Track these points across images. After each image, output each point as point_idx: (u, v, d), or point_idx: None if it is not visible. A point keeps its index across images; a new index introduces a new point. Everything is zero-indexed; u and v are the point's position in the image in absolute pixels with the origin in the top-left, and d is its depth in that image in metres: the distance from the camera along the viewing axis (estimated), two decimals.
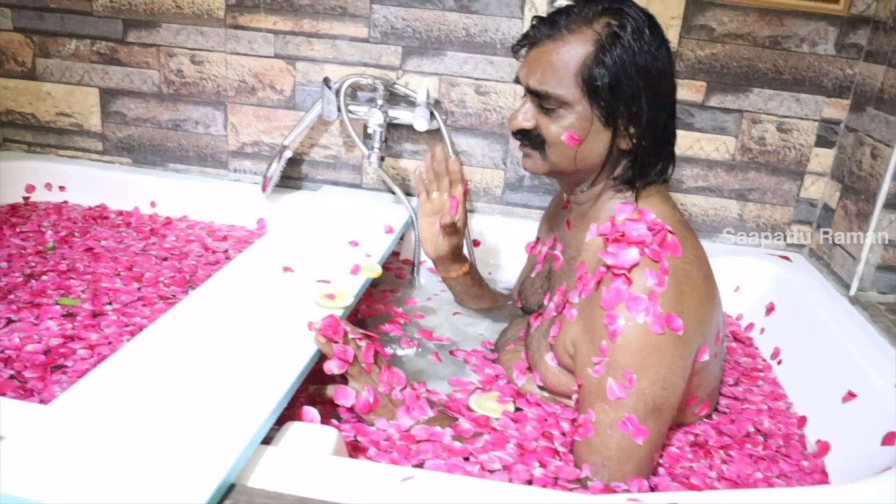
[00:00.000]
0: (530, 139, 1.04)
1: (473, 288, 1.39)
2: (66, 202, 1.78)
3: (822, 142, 1.62)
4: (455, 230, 1.29)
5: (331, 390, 0.99)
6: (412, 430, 0.97)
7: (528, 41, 1.02)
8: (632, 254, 0.95)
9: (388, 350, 1.22)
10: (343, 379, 1.00)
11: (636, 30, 0.96)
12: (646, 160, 1.01)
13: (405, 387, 1.03)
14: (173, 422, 0.78)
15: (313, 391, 1.01)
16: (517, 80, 1.05)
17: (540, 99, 1.00)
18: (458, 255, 1.35)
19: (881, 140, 1.41)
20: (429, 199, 1.32)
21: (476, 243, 1.65)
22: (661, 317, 0.91)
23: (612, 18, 0.96)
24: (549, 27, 0.99)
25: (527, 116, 1.02)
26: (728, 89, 1.60)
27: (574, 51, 0.96)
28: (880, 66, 1.46)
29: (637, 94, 0.96)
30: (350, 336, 1.00)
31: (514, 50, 1.06)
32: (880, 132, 1.42)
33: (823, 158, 1.63)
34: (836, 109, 1.59)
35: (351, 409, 0.99)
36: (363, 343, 1.00)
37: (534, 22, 1.02)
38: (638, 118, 0.97)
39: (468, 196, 1.32)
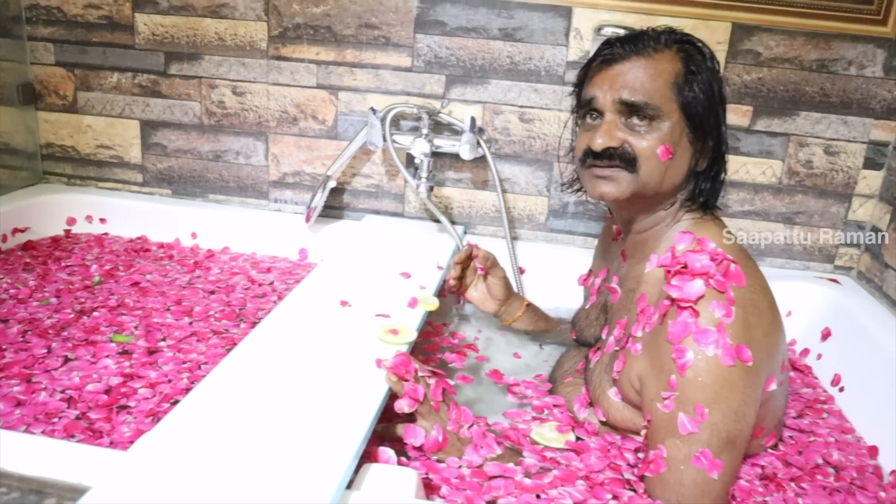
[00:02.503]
0: (619, 158, 1.00)
1: (539, 322, 1.38)
2: (106, 234, 1.78)
3: (871, 164, 1.60)
4: (492, 266, 1.35)
5: (400, 429, 0.98)
6: (484, 467, 0.96)
7: (609, 58, 1.01)
8: (697, 286, 0.93)
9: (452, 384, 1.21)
10: (410, 417, 0.98)
11: (711, 56, 1.02)
12: (719, 180, 1.04)
13: (472, 424, 1.01)
14: (257, 468, 0.77)
15: (381, 430, 0.99)
16: (587, 104, 1.03)
17: (630, 112, 0.99)
18: (511, 294, 1.38)
19: None
20: (462, 285, 1.36)
21: (521, 270, 1.64)
22: (731, 349, 0.90)
23: (688, 45, 1.02)
24: (632, 45, 1.01)
25: (612, 135, 0.99)
26: (775, 113, 1.59)
27: (664, 66, 0.99)
28: None
29: (718, 112, 1.01)
30: (419, 374, 0.98)
31: (590, 64, 1.05)
32: None
33: (871, 180, 1.61)
34: (884, 131, 1.57)
35: (419, 448, 0.98)
36: (432, 381, 0.99)
37: (611, 42, 1.03)
38: (720, 134, 1.02)
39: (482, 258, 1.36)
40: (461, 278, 1.33)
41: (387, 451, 0.91)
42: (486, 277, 1.35)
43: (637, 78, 0.98)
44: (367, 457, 0.90)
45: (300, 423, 0.86)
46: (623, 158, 1.00)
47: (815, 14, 1.51)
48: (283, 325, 1.12)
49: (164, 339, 1.27)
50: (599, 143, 0.99)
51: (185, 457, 0.78)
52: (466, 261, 1.33)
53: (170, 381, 1.14)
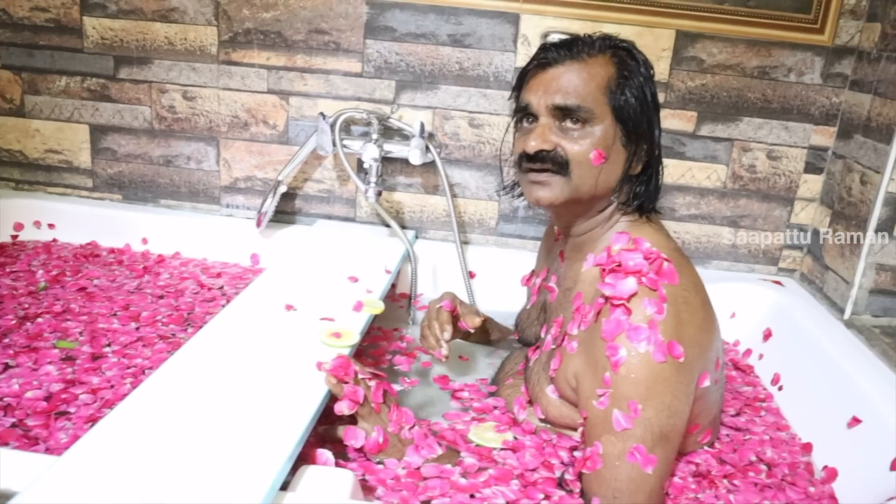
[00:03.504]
0: (552, 162, 1.01)
1: (495, 332, 1.40)
2: (55, 240, 1.75)
3: (811, 168, 1.64)
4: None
5: (340, 431, 0.98)
6: (422, 469, 0.97)
7: (544, 62, 1.03)
8: (629, 283, 0.95)
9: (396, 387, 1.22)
10: (352, 419, 0.99)
11: (644, 62, 1.04)
12: (654, 183, 1.06)
13: (414, 425, 1.02)
14: (191, 470, 0.77)
15: (323, 432, 1.00)
16: (523, 109, 1.05)
17: (564, 116, 1.01)
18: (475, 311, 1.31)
19: (870, 166, 1.44)
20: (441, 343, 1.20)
21: (472, 275, 1.65)
22: (663, 345, 0.91)
23: (622, 51, 1.04)
24: (567, 50, 1.02)
25: (545, 138, 1.01)
26: (718, 119, 1.62)
27: (597, 70, 1.01)
28: (866, 95, 1.49)
29: (652, 117, 1.03)
30: (360, 376, 0.99)
31: (525, 70, 1.06)
32: (869, 159, 1.45)
33: (812, 184, 1.65)
34: (823, 137, 1.62)
35: (360, 450, 0.98)
36: (373, 383, 1.00)
37: (547, 47, 1.04)
38: (654, 138, 1.03)
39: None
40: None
41: (324, 454, 0.91)
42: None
43: (570, 82, 1.00)
44: (307, 459, 0.91)
45: (237, 425, 0.86)
46: (555, 162, 1.01)
47: (755, 22, 1.55)
48: (226, 329, 1.12)
49: (109, 345, 1.26)
50: (532, 145, 1.01)
51: (119, 460, 0.78)
52: (452, 327, 1.22)
53: (112, 386, 1.13)
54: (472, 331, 1.25)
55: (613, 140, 1.01)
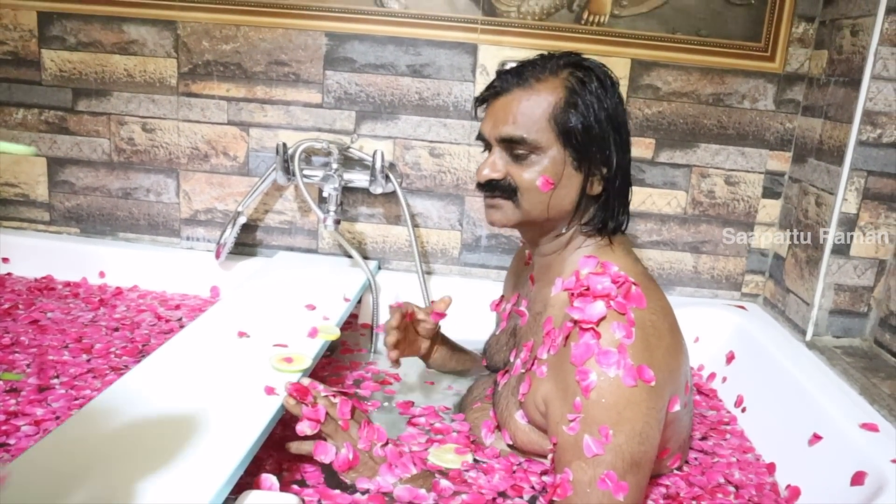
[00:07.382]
0: (501, 189, 1.02)
1: (456, 355, 1.38)
2: (10, 274, 1.72)
3: (769, 193, 1.66)
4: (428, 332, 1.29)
5: (310, 446, 0.96)
6: (394, 491, 0.95)
7: (495, 91, 1.03)
8: (598, 307, 0.94)
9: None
10: (323, 439, 0.97)
11: (600, 79, 1.00)
12: (615, 204, 1.03)
13: (387, 443, 1.00)
14: (126, 493, 0.74)
15: (295, 448, 0.97)
16: (479, 137, 1.05)
17: (512, 146, 1.00)
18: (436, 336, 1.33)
19: (824, 188, 1.46)
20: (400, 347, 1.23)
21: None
22: (633, 369, 0.90)
23: (577, 70, 1.00)
24: (516, 77, 1.01)
25: (496, 167, 1.01)
26: (676, 145, 1.64)
27: (544, 97, 0.98)
28: (817, 120, 1.52)
29: (607, 138, 0.99)
30: (323, 394, 0.97)
31: (480, 100, 1.06)
32: (822, 181, 1.47)
33: (771, 209, 1.67)
34: (779, 161, 1.64)
35: (331, 467, 0.96)
36: (337, 400, 0.98)
37: (499, 74, 1.04)
38: (609, 161, 1.00)
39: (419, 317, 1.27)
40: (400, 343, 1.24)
41: (270, 479, 0.89)
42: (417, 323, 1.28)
43: (517, 112, 0.99)
44: (256, 485, 0.88)
45: (177, 449, 0.84)
46: (503, 189, 1.02)
47: (708, 51, 1.58)
48: (174, 355, 1.10)
49: (57, 377, 1.23)
50: (484, 174, 1.02)
51: (53, 483, 0.75)
52: (403, 325, 1.24)
53: (58, 417, 1.10)
54: (446, 314, 1.25)
55: (563, 166, 0.99)
